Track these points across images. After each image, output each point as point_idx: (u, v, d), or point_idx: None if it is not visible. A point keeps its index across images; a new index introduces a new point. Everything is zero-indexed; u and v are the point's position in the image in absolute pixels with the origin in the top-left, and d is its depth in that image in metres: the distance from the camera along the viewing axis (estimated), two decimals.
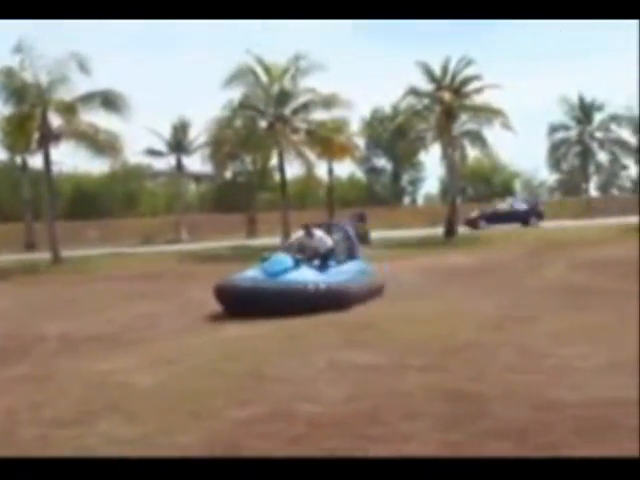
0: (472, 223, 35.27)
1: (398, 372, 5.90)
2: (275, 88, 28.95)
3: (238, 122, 29.65)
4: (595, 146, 51.47)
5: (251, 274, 10.13)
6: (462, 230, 30.44)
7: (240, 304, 9.54)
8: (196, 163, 52.20)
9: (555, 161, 59.01)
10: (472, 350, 6.76)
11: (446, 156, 32.24)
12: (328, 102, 28.40)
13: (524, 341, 7.03)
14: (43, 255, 26.24)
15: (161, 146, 45.50)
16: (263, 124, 29.61)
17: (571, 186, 61.48)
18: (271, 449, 3.99)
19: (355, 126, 50.51)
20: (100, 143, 25.78)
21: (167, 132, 46.25)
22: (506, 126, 30.27)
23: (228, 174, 48.72)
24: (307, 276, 9.95)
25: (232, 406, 5.00)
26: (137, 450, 4.11)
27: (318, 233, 11.12)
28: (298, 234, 11.46)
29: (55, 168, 29.62)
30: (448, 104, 30.36)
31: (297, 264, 10.10)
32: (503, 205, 37.88)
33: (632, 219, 31.78)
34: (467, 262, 17.56)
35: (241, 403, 5.08)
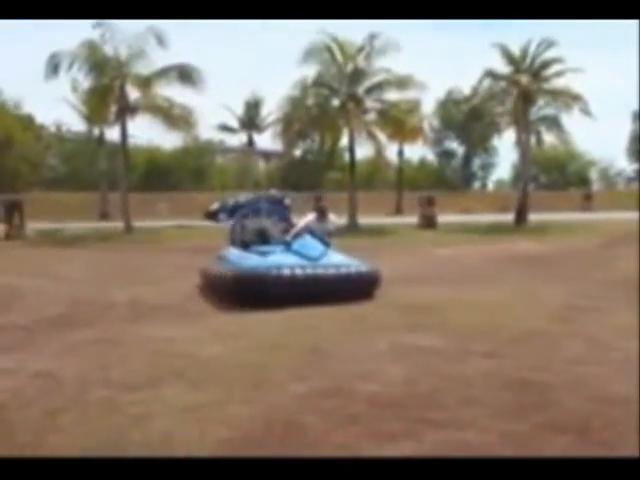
0: (211, 216, 33.04)
1: (460, 357, 5.83)
2: (349, 67, 28.83)
3: (310, 100, 29.70)
4: None
5: (285, 261, 9.00)
6: (535, 217, 29.72)
7: (295, 294, 8.40)
8: (267, 141, 52.71)
9: (635, 150, 56.85)
10: (538, 339, 6.62)
11: (520, 141, 31.48)
12: (402, 83, 28.11)
13: (592, 333, 6.83)
14: (116, 224, 27.03)
15: (233, 122, 46.04)
16: (335, 103, 29.56)
17: None
18: (328, 426, 4.03)
19: (428, 108, 49.91)
20: (174, 117, 26.31)
21: (240, 109, 46.75)
22: (585, 112, 29.34)
23: (297, 153, 49.01)
24: (343, 260, 9.44)
25: (293, 380, 5.06)
26: (197, 417, 4.22)
27: (332, 215, 10.84)
28: (308, 217, 10.71)
29: (130, 141, 30.36)
30: (525, 87, 29.58)
31: (327, 247, 9.69)
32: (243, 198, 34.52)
33: None
34: (537, 249, 17.17)
35: (301, 378, 5.12)
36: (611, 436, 3.93)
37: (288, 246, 9.63)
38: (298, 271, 8.75)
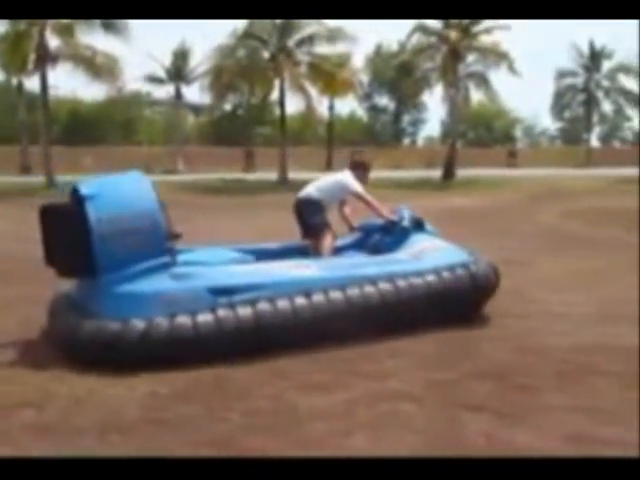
0: None
1: None
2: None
3: (241, 52, 29.10)
4: (600, 95, 50.75)
5: None
6: (462, 173, 30.27)
7: None
8: (196, 93, 51.49)
9: (559, 109, 58.34)
10: None
11: (449, 98, 31.78)
12: (333, 35, 27.82)
13: (517, 286, 7.04)
14: (38, 179, 26.06)
15: (161, 73, 44.69)
16: (266, 55, 29.08)
17: (573, 135, 61.01)
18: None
19: (359, 62, 49.73)
20: (97, 66, 25.31)
21: (167, 59, 45.36)
22: (512, 70, 29.76)
23: (227, 106, 48.11)
24: None
25: None
26: None
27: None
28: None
29: (52, 92, 29.09)
30: (454, 44, 29.75)
31: None
32: None
33: (631, 171, 31.64)
34: (465, 205, 17.54)
35: None
36: (530, 382, 4.14)
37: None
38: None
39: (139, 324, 4.40)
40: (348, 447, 3.29)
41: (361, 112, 62.49)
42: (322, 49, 28.79)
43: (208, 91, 30.72)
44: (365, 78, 53.81)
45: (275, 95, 29.85)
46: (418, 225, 5.97)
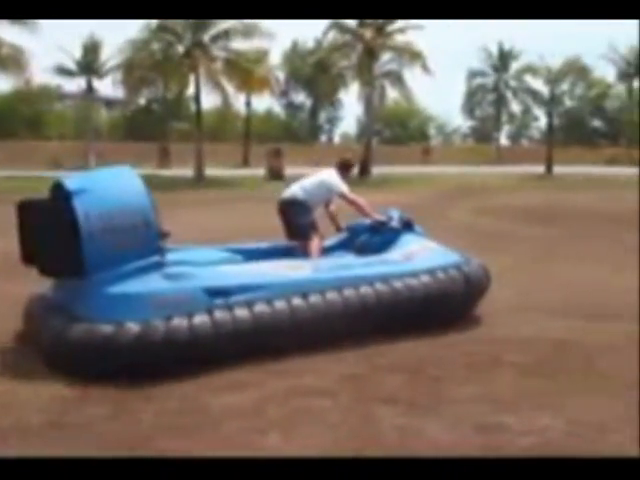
0: None
1: None
2: None
3: (155, 46, 28.52)
4: (509, 95, 52.61)
5: None
6: (377, 170, 30.71)
7: None
8: (109, 87, 50.13)
9: (470, 107, 60.13)
10: None
11: (364, 96, 32.18)
12: (249, 31, 27.62)
13: None
14: None
15: (71, 66, 43.22)
16: (180, 49, 28.62)
17: (484, 133, 62.99)
18: None
19: (276, 59, 49.69)
20: (2, 57, 24.26)
21: (78, 51, 43.91)
22: (425, 69, 30.42)
23: (141, 101, 47.11)
24: None
25: None
26: None
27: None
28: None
29: None
30: (369, 42, 30.15)
31: None
32: None
33: (537, 168, 32.97)
34: (381, 201, 17.78)
35: None
36: (441, 373, 4.24)
37: None
38: None
39: (134, 327, 4.12)
40: (262, 445, 3.28)
41: (278, 109, 62.51)
42: (238, 45, 28.60)
43: (121, 85, 29.99)
44: (282, 75, 53.86)
45: (191, 90, 29.46)
46: (407, 226, 5.84)
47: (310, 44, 53.65)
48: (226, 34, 28.20)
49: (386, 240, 5.69)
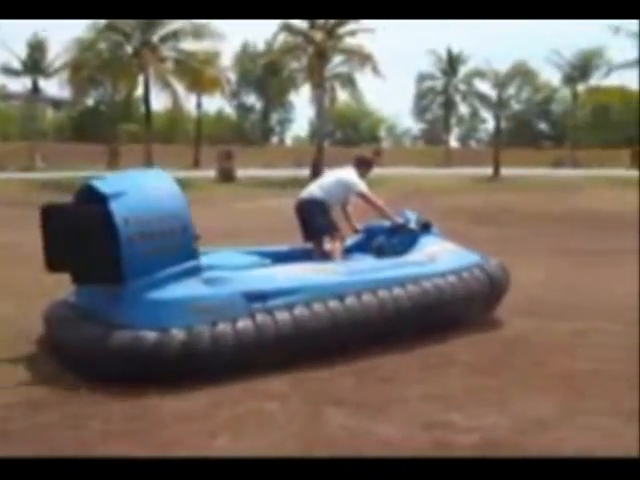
0: None
1: None
2: None
3: (102, 45, 28.09)
4: (458, 98, 53.41)
5: None
6: None
7: None
8: (55, 87, 49.08)
9: (420, 110, 60.82)
10: None
11: (316, 98, 32.27)
12: (198, 32, 27.44)
13: None
14: None
15: (16, 65, 42.17)
16: (129, 49, 28.24)
17: (433, 136, 63.82)
18: None
19: (227, 60, 49.42)
20: None
21: (23, 50, 42.88)
22: (376, 71, 30.66)
23: (89, 102, 46.29)
24: None
25: None
26: None
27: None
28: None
29: None
30: (320, 44, 30.25)
31: None
32: None
33: (486, 170, 33.56)
34: None
35: None
36: (391, 375, 4.29)
37: None
38: None
39: (180, 333, 4.03)
40: (212, 448, 3.27)
41: (229, 110, 62.19)
42: (188, 45, 28.38)
43: (68, 85, 29.41)
44: (233, 76, 53.57)
45: (140, 91, 29.09)
46: (425, 227, 5.79)
47: (261, 46, 53.52)
48: (175, 35, 27.97)
49: (404, 242, 5.66)
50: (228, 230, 11.47)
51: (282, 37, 32.06)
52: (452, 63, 52.76)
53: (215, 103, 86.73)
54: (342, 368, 4.41)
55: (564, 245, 10.18)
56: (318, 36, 30.23)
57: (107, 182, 4.40)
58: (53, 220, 4.31)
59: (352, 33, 31.09)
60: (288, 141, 67.81)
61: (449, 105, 52.97)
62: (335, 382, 4.18)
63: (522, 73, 50.68)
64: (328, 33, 30.62)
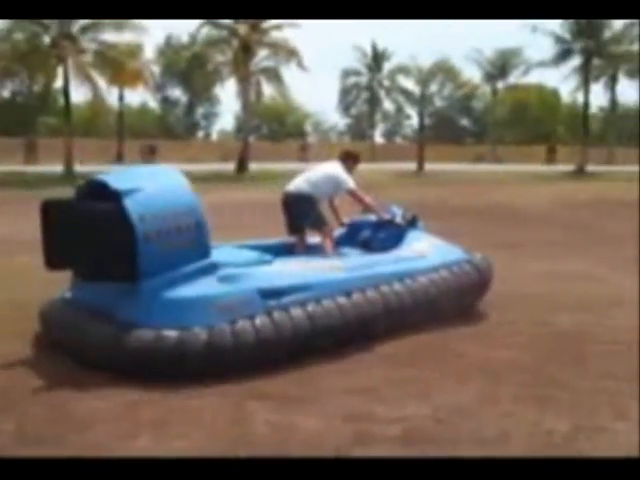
0: None
1: None
2: None
3: (19, 36, 27.10)
4: (383, 94, 54.12)
5: None
6: (255, 167, 30.68)
7: None
8: None
9: (345, 105, 61.31)
10: None
11: (241, 92, 32.07)
12: (119, 24, 26.80)
13: None
14: None
15: None
16: (47, 40, 27.33)
17: (359, 131, 64.46)
18: None
19: (150, 53, 48.50)
20: None
21: None
22: (301, 66, 30.73)
23: (5, 93, 44.59)
24: None
25: None
26: None
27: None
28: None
29: None
30: (245, 38, 30.06)
31: None
32: None
33: (410, 165, 34.18)
34: (255, 198, 17.79)
35: None
36: (316, 367, 4.31)
37: None
38: None
39: (202, 332, 3.99)
40: (134, 449, 3.21)
41: (153, 104, 61.01)
42: (109, 37, 27.70)
43: None
44: (156, 69, 52.57)
45: (59, 83, 28.21)
46: (411, 223, 5.84)
47: (185, 38, 52.72)
48: (95, 26, 27.24)
49: (390, 236, 5.74)
50: None
51: (206, 30, 31.73)
52: (376, 59, 53.40)
53: (138, 96, 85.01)
54: (263, 363, 4.38)
55: (491, 238, 10.45)
56: (243, 30, 30.04)
57: (117, 178, 4.29)
58: (56, 216, 4.19)
59: (277, 27, 31.05)
60: (214, 135, 67.15)
61: (374, 101, 53.64)
62: (257, 377, 4.15)
63: (444, 70, 51.78)
64: (253, 27, 30.46)
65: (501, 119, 58.13)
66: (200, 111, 64.00)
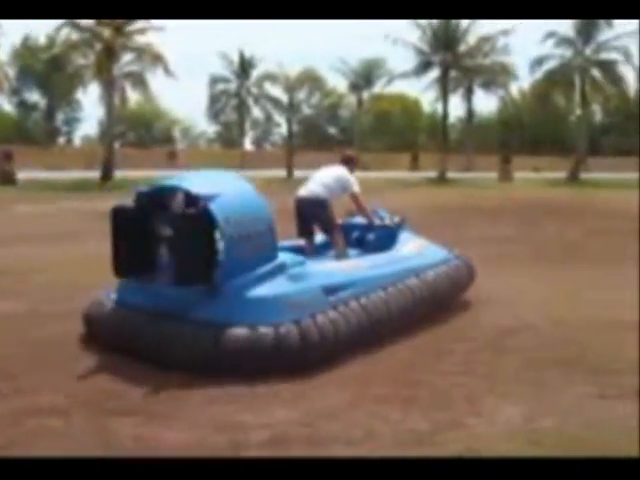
0: None
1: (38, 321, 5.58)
2: None
3: None
4: (251, 101, 54.13)
5: None
6: (121, 174, 29.72)
7: None
8: None
9: (214, 112, 60.81)
10: None
11: (105, 96, 30.99)
12: None
13: None
14: None
15: None
16: None
17: (229, 138, 64.14)
18: None
19: (4, 54, 45.82)
20: None
21: None
22: (167, 71, 30.16)
23: None
24: None
25: None
26: None
27: None
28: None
29: None
30: (108, 41, 29.11)
31: None
32: None
33: (280, 172, 34.49)
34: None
35: None
36: (182, 379, 4.23)
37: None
38: None
39: (293, 328, 4.25)
40: None
41: (9, 108, 57.69)
42: None
43: None
44: (12, 71, 49.75)
45: None
46: (399, 225, 6.20)
47: (42, 40, 50.31)
48: None
49: (380, 237, 6.15)
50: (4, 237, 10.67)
51: (66, 32, 30.41)
52: (244, 66, 53.35)
53: None
54: (128, 378, 4.22)
55: None
56: (106, 33, 29.06)
57: (193, 183, 4.49)
58: (125, 223, 4.46)
59: (141, 31, 30.30)
60: (77, 141, 64.46)
61: (242, 108, 53.52)
62: (121, 393, 4.00)
63: (311, 79, 52.60)
64: (117, 30, 29.55)
65: (367, 127, 59.86)
66: (61, 116, 61.23)
